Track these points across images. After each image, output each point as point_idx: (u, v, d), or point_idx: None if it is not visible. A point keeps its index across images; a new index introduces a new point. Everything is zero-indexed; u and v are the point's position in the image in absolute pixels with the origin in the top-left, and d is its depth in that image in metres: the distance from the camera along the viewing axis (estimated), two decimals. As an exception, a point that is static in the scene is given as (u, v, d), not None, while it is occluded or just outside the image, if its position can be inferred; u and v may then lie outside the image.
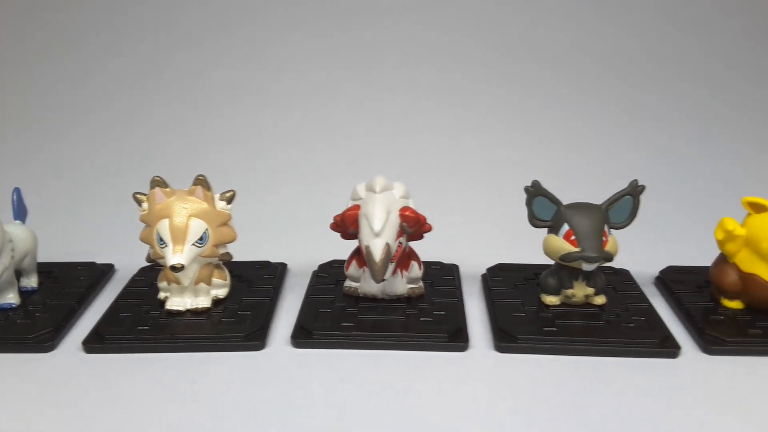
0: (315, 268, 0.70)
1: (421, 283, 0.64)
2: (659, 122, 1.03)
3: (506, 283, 0.67)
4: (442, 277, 0.68)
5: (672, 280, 0.68)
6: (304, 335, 0.58)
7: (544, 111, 1.05)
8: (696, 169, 0.97)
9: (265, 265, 0.71)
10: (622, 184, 0.60)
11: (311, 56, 1.07)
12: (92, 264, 0.72)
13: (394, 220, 0.56)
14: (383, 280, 0.57)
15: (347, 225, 0.58)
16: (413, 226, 0.57)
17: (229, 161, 0.99)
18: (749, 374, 0.54)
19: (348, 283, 0.64)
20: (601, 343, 0.57)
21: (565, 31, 1.06)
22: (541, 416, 0.50)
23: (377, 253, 0.55)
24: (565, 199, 0.61)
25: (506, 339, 0.58)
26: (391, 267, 0.57)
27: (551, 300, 0.62)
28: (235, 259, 0.71)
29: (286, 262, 0.73)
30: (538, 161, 0.98)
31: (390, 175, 0.61)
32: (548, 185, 0.60)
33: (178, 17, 1.07)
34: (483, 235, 0.81)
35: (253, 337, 0.58)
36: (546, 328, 0.58)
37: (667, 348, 0.57)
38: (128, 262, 0.72)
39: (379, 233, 0.54)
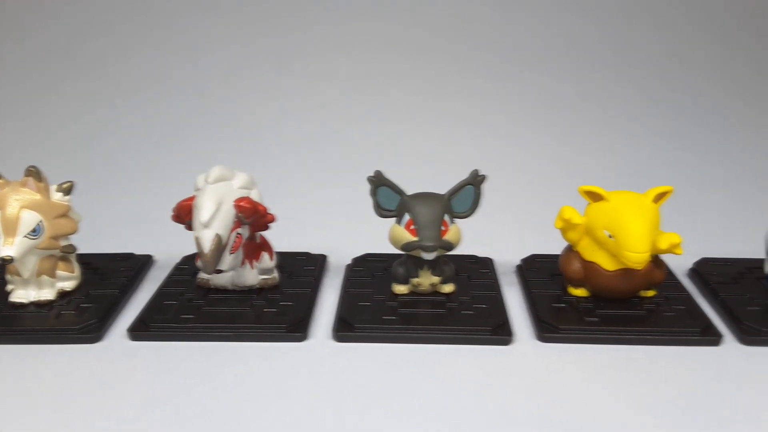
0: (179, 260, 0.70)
1: (275, 274, 0.64)
2: (536, 110, 1.04)
3: (365, 273, 0.67)
4: (304, 268, 0.68)
5: (531, 268, 0.68)
6: (141, 328, 0.58)
7: (447, 101, 1.05)
8: (585, 158, 0.98)
9: (128, 257, 0.70)
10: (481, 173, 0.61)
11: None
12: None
13: (228, 211, 0.56)
14: (220, 271, 0.57)
15: (183, 216, 0.57)
16: (250, 216, 0.57)
17: (119, 155, 0.98)
18: (575, 361, 0.55)
19: (200, 274, 0.64)
20: (436, 331, 0.57)
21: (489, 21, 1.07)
22: (362, 403, 0.50)
23: (205, 244, 0.54)
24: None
25: (345, 328, 0.58)
26: (231, 258, 0.57)
27: (400, 289, 0.62)
28: (104, 251, 0.71)
29: (152, 254, 0.72)
30: (440, 152, 0.99)
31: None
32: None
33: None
34: (364, 225, 0.81)
35: (90, 329, 0.57)
36: (386, 317, 0.59)
37: (500, 335, 0.57)
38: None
39: (207, 224, 0.54)
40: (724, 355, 0.56)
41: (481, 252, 0.72)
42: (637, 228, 0.55)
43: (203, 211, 0.54)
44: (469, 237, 0.76)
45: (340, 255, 0.72)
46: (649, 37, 1.08)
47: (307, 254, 0.71)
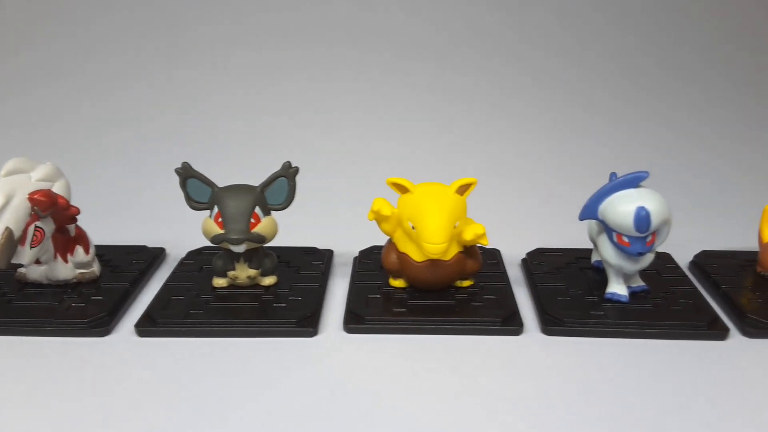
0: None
1: (93, 268, 0.63)
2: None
3: (195, 267, 0.66)
4: (132, 262, 0.67)
5: (366, 259, 0.68)
6: (-58, 323, 0.57)
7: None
8: (461, 150, 0.98)
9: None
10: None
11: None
12: None
13: (19, 204, 0.55)
14: (19, 265, 0.56)
15: (-22, 210, 0.56)
16: (45, 209, 0.56)
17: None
18: (374, 351, 0.55)
19: (19, 269, 0.63)
20: (239, 324, 0.57)
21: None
22: (152, 399, 0.49)
23: (-8, 238, 0.53)
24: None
25: (148, 323, 0.57)
26: (32, 252, 0.56)
27: (219, 282, 0.62)
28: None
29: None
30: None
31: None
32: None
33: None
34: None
35: None
36: (193, 311, 0.58)
37: (304, 327, 0.57)
38: None
39: (-6, 218, 0.53)
40: (525, 343, 0.56)
41: (334, 244, 0.72)
42: (433, 219, 0.55)
43: (-12, 205, 0.53)
44: (329, 228, 0.77)
45: (182, 248, 0.72)
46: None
47: (143, 248, 0.70)
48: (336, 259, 0.71)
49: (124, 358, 0.54)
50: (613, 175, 0.61)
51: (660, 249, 0.67)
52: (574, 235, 0.73)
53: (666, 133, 1.01)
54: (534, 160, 0.96)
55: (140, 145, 0.97)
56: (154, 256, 0.69)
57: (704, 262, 0.68)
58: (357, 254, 0.70)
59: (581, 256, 0.68)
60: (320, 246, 0.71)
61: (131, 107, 1.01)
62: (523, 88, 1.04)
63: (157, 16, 1.04)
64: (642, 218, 0.53)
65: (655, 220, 0.54)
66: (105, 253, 0.68)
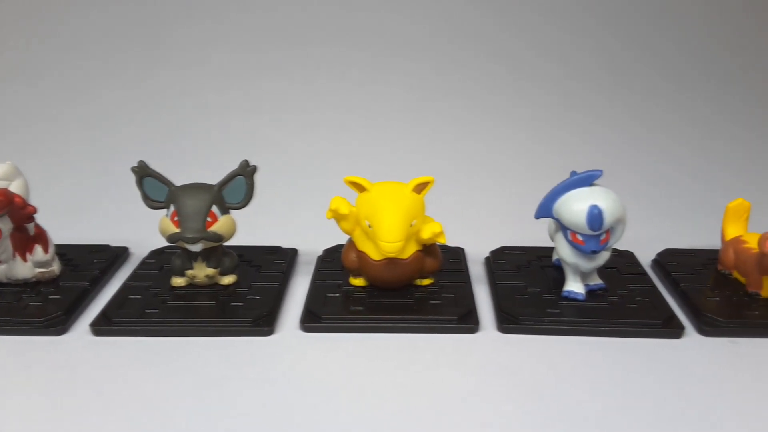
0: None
1: (53, 267, 0.63)
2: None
3: (155, 266, 0.66)
4: (93, 261, 0.67)
5: (328, 258, 0.68)
6: None
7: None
8: (437, 150, 0.98)
9: None
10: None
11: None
12: None
13: (-26, 204, 0.55)
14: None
15: (-66, 209, 0.56)
16: (2, 208, 0.56)
17: None
18: (330, 350, 0.55)
19: (-24, 268, 0.63)
20: (194, 324, 0.57)
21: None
22: (116, 397, 0.49)
23: (-57, 237, 0.53)
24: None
25: (103, 322, 0.57)
26: (-6, 251, 0.57)
27: (177, 281, 0.62)
28: None
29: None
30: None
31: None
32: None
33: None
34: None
35: None
36: (148, 311, 0.58)
37: (260, 326, 0.57)
38: None
39: (-54, 217, 0.53)
40: (480, 341, 0.56)
41: (301, 243, 0.72)
42: (388, 218, 0.55)
43: (-59, 204, 0.53)
44: (297, 227, 0.77)
45: (146, 248, 0.71)
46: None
47: (106, 247, 0.70)
48: (301, 258, 0.71)
49: (79, 357, 0.54)
50: (573, 173, 0.61)
51: (624, 247, 0.68)
52: (541, 234, 0.73)
53: (632, 132, 1.01)
54: (505, 157, 0.96)
55: (108, 143, 0.97)
56: (116, 255, 0.69)
57: (666, 260, 0.68)
58: (321, 253, 0.70)
59: (543, 254, 0.68)
60: (287, 245, 0.71)
61: (94, 106, 1.01)
62: (489, 87, 1.04)
63: (127, 16, 1.04)
64: (594, 216, 0.54)
65: (608, 218, 0.54)
66: (67, 252, 0.68)
